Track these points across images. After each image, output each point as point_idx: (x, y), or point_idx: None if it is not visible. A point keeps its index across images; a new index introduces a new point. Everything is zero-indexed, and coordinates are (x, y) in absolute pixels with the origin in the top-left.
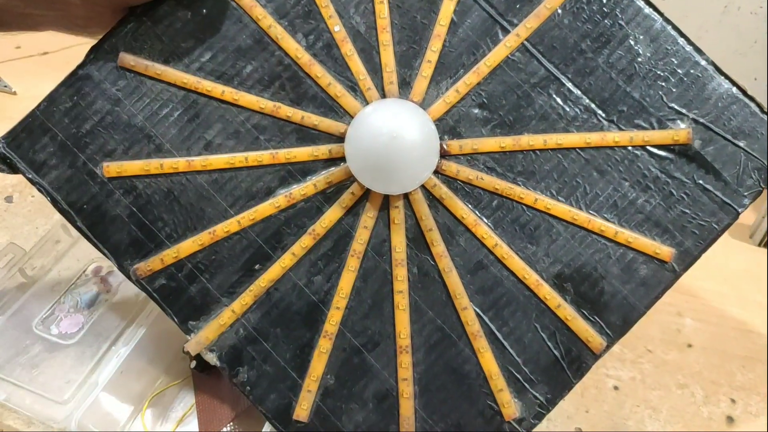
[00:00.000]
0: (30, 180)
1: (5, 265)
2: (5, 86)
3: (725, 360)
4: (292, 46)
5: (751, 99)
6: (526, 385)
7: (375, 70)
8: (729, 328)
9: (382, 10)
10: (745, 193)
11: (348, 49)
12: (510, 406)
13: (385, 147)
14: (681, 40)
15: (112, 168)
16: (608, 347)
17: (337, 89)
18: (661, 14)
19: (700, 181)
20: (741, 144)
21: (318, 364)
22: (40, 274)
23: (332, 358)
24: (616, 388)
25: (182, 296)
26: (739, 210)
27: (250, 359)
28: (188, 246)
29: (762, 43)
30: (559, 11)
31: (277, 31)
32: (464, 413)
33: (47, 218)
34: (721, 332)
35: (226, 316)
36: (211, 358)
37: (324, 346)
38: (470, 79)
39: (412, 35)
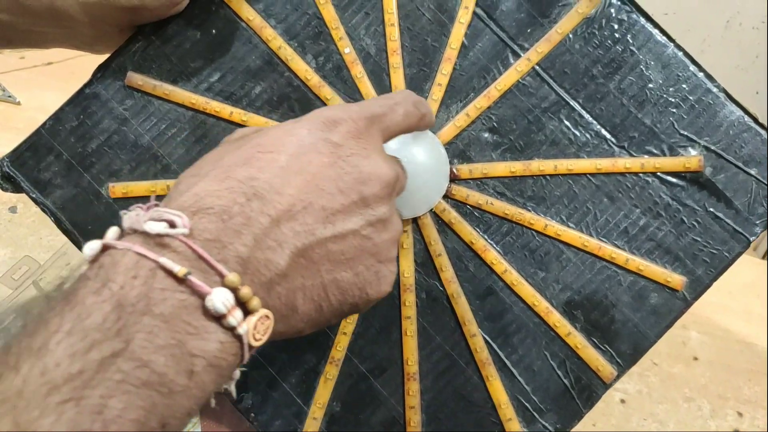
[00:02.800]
0: (34, 200)
1: (20, 277)
2: (9, 96)
3: (731, 373)
4: (302, 68)
5: (762, 127)
6: (535, 414)
7: (385, 92)
8: (734, 341)
9: (393, 33)
10: (757, 222)
11: (358, 71)
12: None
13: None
14: (692, 67)
15: (117, 189)
16: (618, 377)
17: None
18: (672, 40)
19: (711, 209)
20: (752, 172)
21: (324, 391)
22: (53, 286)
23: (338, 384)
24: (622, 401)
25: None
26: (751, 239)
27: (256, 384)
28: None
29: (763, 58)
30: (571, 36)
31: (287, 52)
32: None
33: (52, 229)
34: (727, 346)
35: None
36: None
37: (330, 373)
38: (480, 103)
39: (423, 58)
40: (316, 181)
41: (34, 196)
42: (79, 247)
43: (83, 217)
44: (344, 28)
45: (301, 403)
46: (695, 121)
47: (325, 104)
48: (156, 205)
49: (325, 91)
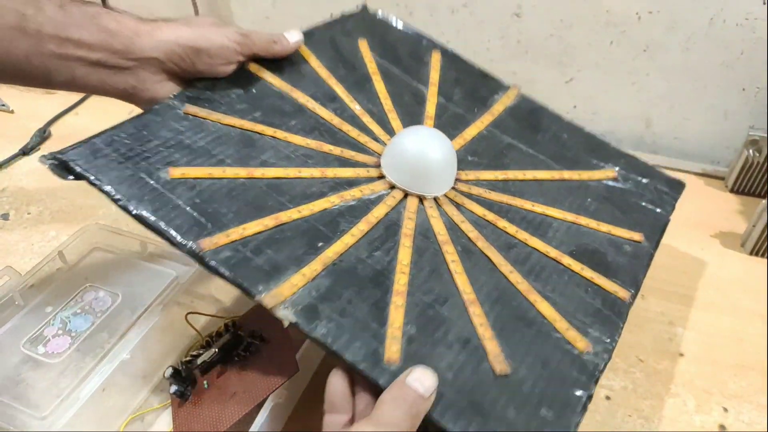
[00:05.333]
0: (91, 183)
1: (1, 287)
2: (2, 105)
3: (717, 369)
4: (326, 113)
5: (631, 157)
6: (583, 327)
7: (390, 132)
8: (721, 336)
9: (388, 102)
10: (667, 200)
11: (367, 120)
12: (581, 341)
13: (421, 157)
14: (587, 130)
15: (176, 171)
16: (633, 297)
17: (365, 138)
18: (569, 122)
19: (633, 199)
20: (645, 181)
21: (397, 315)
22: (33, 296)
23: (408, 311)
24: (608, 398)
25: (249, 265)
26: (669, 209)
27: (327, 315)
28: (253, 226)
29: (748, 55)
30: (502, 114)
31: (313, 104)
32: (543, 350)
33: (43, 235)
34: (713, 341)
35: (297, 278)
36: (286, 315)
37: (398, 301)
38: (458, 142)
39: (411, 117)
40: None
41: (91, 179)
42: (132, 215)
43: (139, 191)
44: (352, 97)
45: (376, 327)
46: (599, 153)
47: (347, 135)
48: None
49: (346, 127)
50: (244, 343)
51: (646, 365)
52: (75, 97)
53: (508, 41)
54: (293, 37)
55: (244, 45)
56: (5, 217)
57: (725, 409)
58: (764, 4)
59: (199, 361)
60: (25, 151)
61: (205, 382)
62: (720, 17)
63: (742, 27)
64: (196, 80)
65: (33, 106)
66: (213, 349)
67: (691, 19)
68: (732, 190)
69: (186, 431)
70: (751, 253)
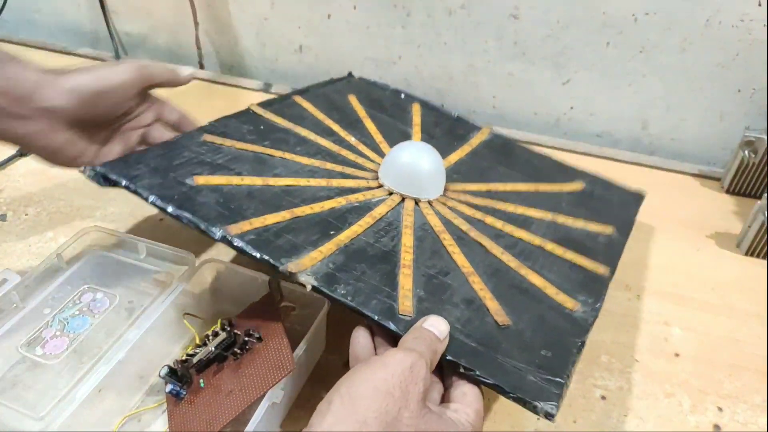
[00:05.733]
0: (126, 188)
1: None
2: None
3: (712, 369)
4: (326, 143)
5: (591, 175)
6: (572, 294)
7: (383, 156)
8: (716, 337)
9: (378, 136)
10: (630, 205)
11: (362, 148)
12: (570, 302)
13: (414, 164)
14: (554, 159)
15: (200, 179)
16: (611, 273)
17: (361, 160)
18: (538, 152)
19: (601, 204)
20: (609, 193)
21: (406, 280)
22: (32, 297)
23: (415, 279)
24: (603, 397)
25: (271, 245)
26: (633, 212)
27: (344, 281)
28: (272, 217)
29: (743, 56)
30: (479, 146)
31: (314, 137)
32: (538, 309)
33: (40, 236)
34: (709, 341)
35: (315, 254)
36: (308, 279)
37: (406, 272)
38: (445, 163)
39: (400, 141)
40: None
41: (126, 185)
42: (165, 212)
43: (170, 193)
44: (347, 132)
45: (389, 290)
46: (567, 174)
47: (346, 158)
48: None
49: (345, 152)
50: (240, 341)
51: (641, 365)
52: None
53: (505, 42)
54: (187, 70)
55: (143, 76)
56: (3, 218)
57: (720, 409)
58: (760, 5)
59: (195, 359)
60: (23, 153)
61: (201, 380)
62: (716, 18)
63: (738, 28)
64: (211, 121)
65: None
66: (209, 347)
67: (687, 21)
68: (728, 191)
69: (181, 431)
70: (746, 254)
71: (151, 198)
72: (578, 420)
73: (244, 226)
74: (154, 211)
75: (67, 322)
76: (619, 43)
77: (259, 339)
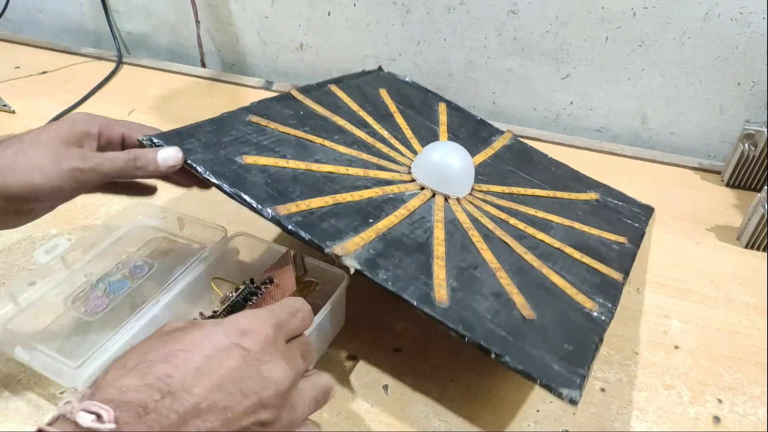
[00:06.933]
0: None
1: (50, 253)
2: (4, 105)
3: (712, 361)
4: (361, 134)
5: (605, 186)
6: (589, 294)
7: (413, 151)
8: (715, 329)
9: (408, 132)
10: (641, 218)
11: (394, 141)
12: (589, 302)
13: (446, 162)
14: (570, 167)
15: (249, 158)
16: (625, 278)
17: (394, 153)
18: (555, 159)
19: (614, 215)
20: (622, 204)
21: (440, 271)
22: (80, 260)
23: (448, 270)
24: (603, 390)
25: (316, 228)
26: (644, 224)
27: (384, 266)
28: (316, 202)
29: (743, 49)
30: (500, 149)
31: (350, 127)
32: (559, 307)
33: (44, 233)
34: (708, 333)
35: (357, 239)
36: (352, 263)
37: (440, 263)
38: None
39: (428, 138)
40: (222, 382)
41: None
42: (218, 187)
43: (222, 170)
44: (380, 125)
45: (425, 278)
46: (581, 183)
47: (380, 150)
48: (87, 394)
49: (379, 145)
50: (257, 290)
51: (641, 358)
52: (75, 96)
53: (505, 38)
54: (168, 158)
55: (86, 180)
56: None
57: (720, 401)
58: None
59: (219, 311)
60: None
61: None
62: (715, 12)
63: (737, 21)
64: (253, 102)
65: (35, 106)
66: (231, 297)
67: (686, 14)
68: (728, 184)
69: None
70: (746, 247)
71: (206, 173)
72: (578, 412)
73: (291, 207)
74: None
75: (108, 285)
76: (618, 38)
77: (272, 282)
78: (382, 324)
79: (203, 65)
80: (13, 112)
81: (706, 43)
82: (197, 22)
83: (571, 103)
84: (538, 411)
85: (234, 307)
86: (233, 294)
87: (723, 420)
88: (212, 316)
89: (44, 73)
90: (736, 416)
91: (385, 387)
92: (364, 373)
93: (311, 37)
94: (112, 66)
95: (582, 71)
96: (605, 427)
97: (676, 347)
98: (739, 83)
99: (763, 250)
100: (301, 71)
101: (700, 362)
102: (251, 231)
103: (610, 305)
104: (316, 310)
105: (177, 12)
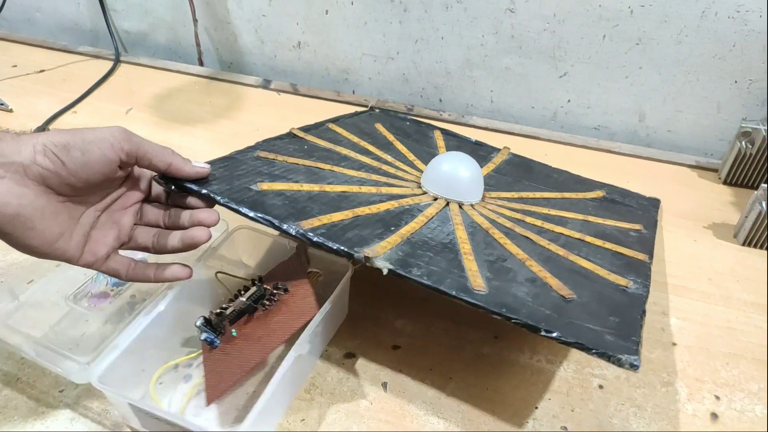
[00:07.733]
0: (196, 192)
1: None
2: (2, 104)
3: (709, 357)
4: (366, 159)
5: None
6: (620, 273)
7: (419, 170)
8: (713, 326)
9: (410, 155)
10: (650, 209)
11: (400, 164)
12: (623, 280)
13: (456, 170)
14: (569, 173)
15: (264, 185)
16: (650, 258)
17: (401, 173)
18: (555, 168)
19: (624, 208)
20: (628, 198)
21: (471, 264)
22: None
23: (479, 263)
24: (601, 387)
25: (341, 237)
26: (654, 213)
27: (416, 264)
28: (337, 216)
29: (740, 48)
30: (501, 164)
31: (354, 154)
32: (595, 287)
33: None
34: (706, 330)
35: (383, 244)
36: (384, 264)
37: (469, 257)
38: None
39: (430, 160)
40: None
41: (197, 189)
42: (238, 212)
43: (239, 197)
44: (381, 152)
45: (458, 272)
46: (585, 185)
47: (387, 171)
48: None
49: (385, 167)
50: (268, 294)
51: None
52: (73, 95)
53: (502, 36)
54: (198, 164)
55: (131, 143)
56: None
57: (717, 398)
58: None
59: (228, 311)
60: None
61: (233, 330)
62: (712, 10)
63: (734, 19)
64: (258, 141)
65: (32, 104)
66: (241, 299)
67: (683, 12)
68: (725, 182)
69: (215, 374)
70: (743, 244)
71: (224, 200)
72: (576, 409)
73: (314, 222)
74: None
75: (110, 279)
76: (616, 36)
77: (286, 291)
78: (382, 321)
79: (201, 64)
80: (11, 110)
81: (704, 41)
82: (195, 20)
83: (569, 101)
84: (536, 408)
85: (246, 310)
86: (241, 292)
87: (720, 416)
88: (220, 314)
89: (42, 71)
90: (733, 413)
91: (384, 384)
92: (363, 370)
93: (309, 35)
94: (109, 65)
95: (579, 69)
96: (603, 424)
97: (674, 344)
98: (736, 81)
99: (760, 247)
100: (299, 69)
101: (697, 359)
102: (252, 225)
103: (642, 281)
104: (320, 300)
105: (174, 10)
